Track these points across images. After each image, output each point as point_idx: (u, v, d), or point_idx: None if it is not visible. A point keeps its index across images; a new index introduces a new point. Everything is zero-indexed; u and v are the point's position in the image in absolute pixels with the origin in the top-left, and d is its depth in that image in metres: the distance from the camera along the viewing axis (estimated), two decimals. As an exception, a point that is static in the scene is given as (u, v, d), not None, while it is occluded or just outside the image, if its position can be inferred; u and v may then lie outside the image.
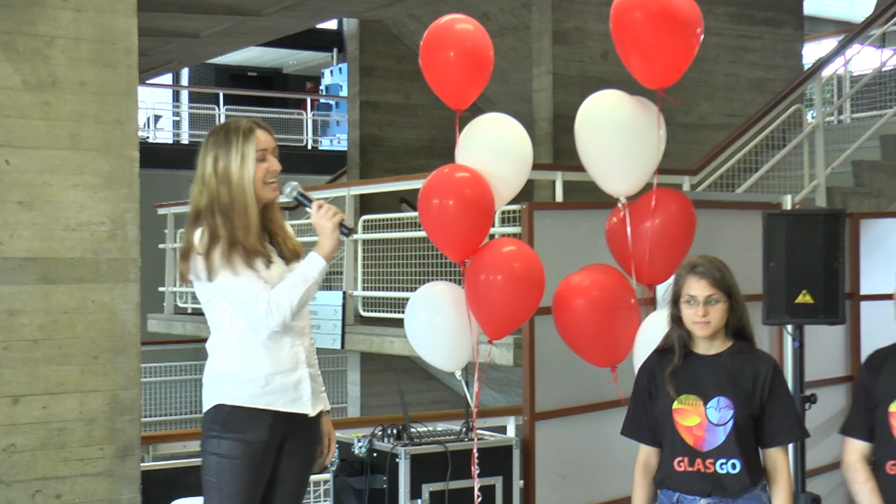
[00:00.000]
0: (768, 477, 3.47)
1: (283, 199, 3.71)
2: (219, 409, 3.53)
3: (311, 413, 3.57)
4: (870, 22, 9.21)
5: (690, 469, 3.43)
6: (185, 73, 22.05)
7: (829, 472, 5.62)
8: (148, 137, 19.44)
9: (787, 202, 5.66)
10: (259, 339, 3.51)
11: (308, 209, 3.57)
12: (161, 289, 11.33)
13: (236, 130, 3.52)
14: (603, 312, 4.05)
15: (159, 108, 20.83)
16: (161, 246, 10.98)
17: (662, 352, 3.57)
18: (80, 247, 4.48)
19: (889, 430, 3.52)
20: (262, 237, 3.55)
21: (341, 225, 3.51)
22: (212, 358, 3.60)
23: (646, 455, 3.59)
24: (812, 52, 12.39)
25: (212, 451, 3.51)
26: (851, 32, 9.31)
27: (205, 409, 3.58)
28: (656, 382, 3.52)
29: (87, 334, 4.48)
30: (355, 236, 8.84)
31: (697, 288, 3.43)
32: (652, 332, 3.95)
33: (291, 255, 3.61)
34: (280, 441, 3.54)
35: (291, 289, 3.46)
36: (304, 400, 3.56)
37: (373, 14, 12.07)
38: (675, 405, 3.46)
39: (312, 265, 3.50)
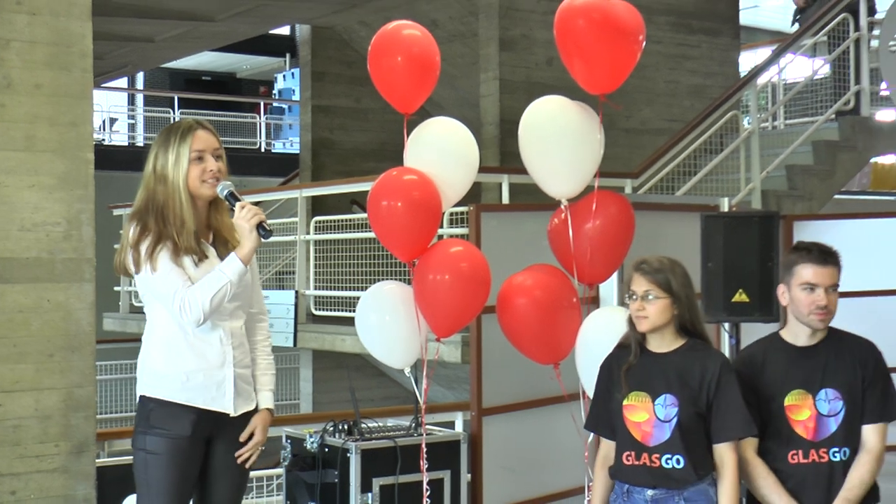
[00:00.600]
0: (717, 471, 3.51)
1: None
2: (143, 402, 3.56)
3: (233, 413, 3.57)
4: (801, 33, 9.44)
5: (637, 463, 3.52)
6: (140, 76, 21.91)
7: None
8: (103, 140, 19.36)
9: (724, 205, 5.71)
10: (184, 335, 3.53)
11: (233, 209, 3.57)
12: (116, 288, 11.34)
13: (176, 130, 3.56)
14: (545, 311, 4.07)
15: (115, 111, 20.71)
16: (116, 246, 10.93)
17: (621, 348, 3.63)
18: (35, 247, 4.47)
19: (787, 423, 3.59)
20: (200, 235, 3.57)
21: (260, 226, 3.49)
22: (141, 351, 3.63)
23: (606, 449, 3.66)
24: (748, 60, 12.56)
25: (139, 447, 3.53)
26: (785, 42, 9.50)
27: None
28: (613, 378, 3.60)
29: (42, 333, 4.47)
30: (307, 237, 8.90)
31: (637, 284, 3.52)
32: (593, 329, 4.01)
33: None
34: (207, 438, 3.56)
35: (206, 288, 3.46)
36: (227, 399, 3.56)
37: (324, 21, 12.11)
38: (626, 402, 3.54)
39: (229, 265, 3.50)
